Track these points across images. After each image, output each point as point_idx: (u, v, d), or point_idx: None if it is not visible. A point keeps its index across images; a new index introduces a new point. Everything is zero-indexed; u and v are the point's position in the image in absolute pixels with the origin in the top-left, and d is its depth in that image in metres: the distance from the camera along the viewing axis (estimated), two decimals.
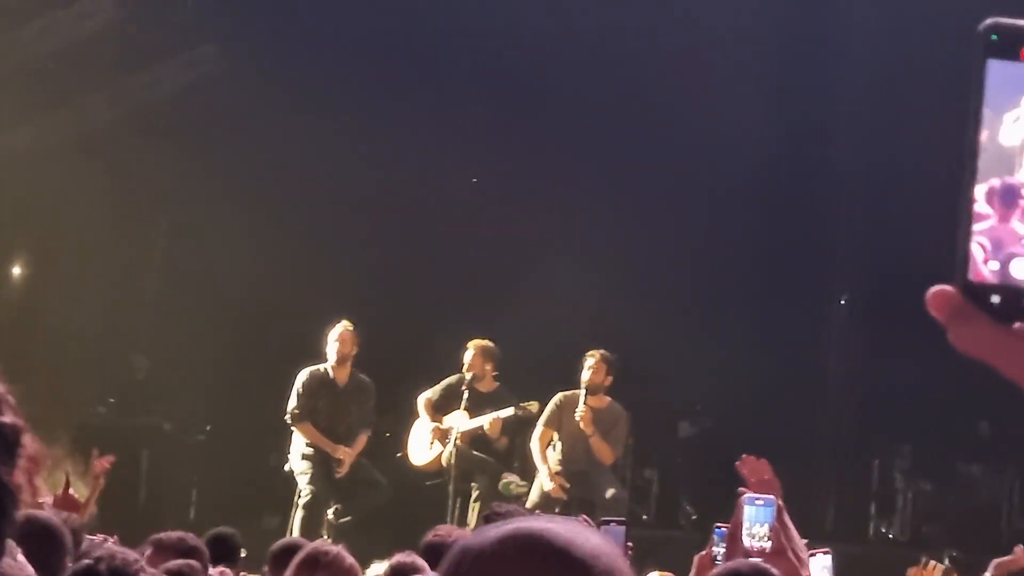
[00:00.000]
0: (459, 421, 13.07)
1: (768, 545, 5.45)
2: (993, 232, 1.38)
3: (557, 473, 12.95)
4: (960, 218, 1.38)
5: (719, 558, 5.76)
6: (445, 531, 7.05)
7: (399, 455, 13.75)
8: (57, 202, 15.63)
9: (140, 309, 16.80)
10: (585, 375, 13.02)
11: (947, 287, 1.39)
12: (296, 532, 12.19)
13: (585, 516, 6.63)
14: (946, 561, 8.64)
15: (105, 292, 16.23)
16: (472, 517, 12.58)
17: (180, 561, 6.20)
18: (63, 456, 13.47)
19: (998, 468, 16.52)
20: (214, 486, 15.47)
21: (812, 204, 17.78)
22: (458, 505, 12.86)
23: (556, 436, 13.13)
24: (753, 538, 5.49)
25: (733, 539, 5.50)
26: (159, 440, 15.83)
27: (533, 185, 16.72)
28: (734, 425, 16.47)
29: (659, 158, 17.04)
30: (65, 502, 7.20)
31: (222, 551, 7.32)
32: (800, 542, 5.95)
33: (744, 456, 6.41)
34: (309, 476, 12.88)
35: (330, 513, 12.92)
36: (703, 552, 6.08)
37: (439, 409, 13.34)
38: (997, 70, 1.39)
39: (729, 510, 5.57)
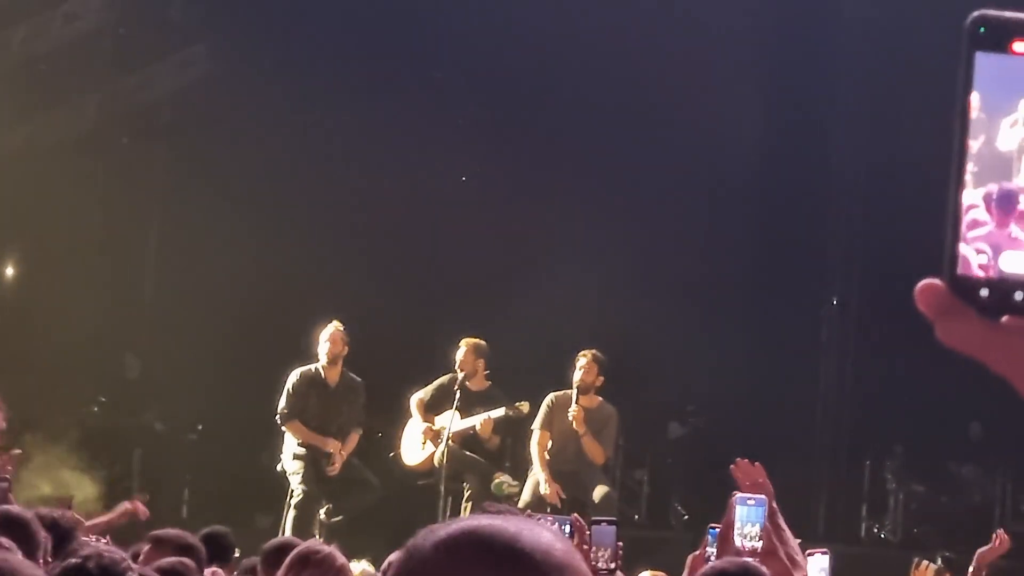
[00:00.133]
0: (451, 421, 13.07)
1: (759, 545, 5.46)
2: (991, 238, 1.37)
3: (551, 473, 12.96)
4: (948, 211, 1.38)
5: (713, 558, 5.77)
6: None
7: (391, 455, 13.76)
8: (50, 203, 15.62)
9: (133, 309, 16.79)
10: (576, 375, 13.02)
11: (935, 281, 1.38)
12: (288, 531, 12.19)
13: (576, 515, 6.63)
14: (939, 561, 8.65)
15: (98, 292, 16.23)
16: (464, 516, 12.56)
17: (173, 559, 6.20)
18: (66, 456, 13.50)
19: (990, 469, 16.53)
20: (206, 485, 15.47)
21: (806, 205, 17.79)
22: (449, 505, 12.86)
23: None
24: (744, 538, 5.50)
25: (724, 539, 5.51)
26: (151, 439, 15.84)
27: (529, 185, 16.72)
28: (726, 426, 16.49)
29: (654, 158, 17.05)
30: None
31: (216, 550, 7.31)
32: (794, 544, 5.96)
33: (738, 460, 6.41)
34: (301, 476, 12.88)
35: (322, 513, 12.93)
36: (697, 552, 6.09)
37: (431, 409, 13.34)
38: (985, 63, 1.38)
39: (720, 510, 5.58)
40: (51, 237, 16.05)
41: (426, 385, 13.47)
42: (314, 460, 12.97)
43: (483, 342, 13.35)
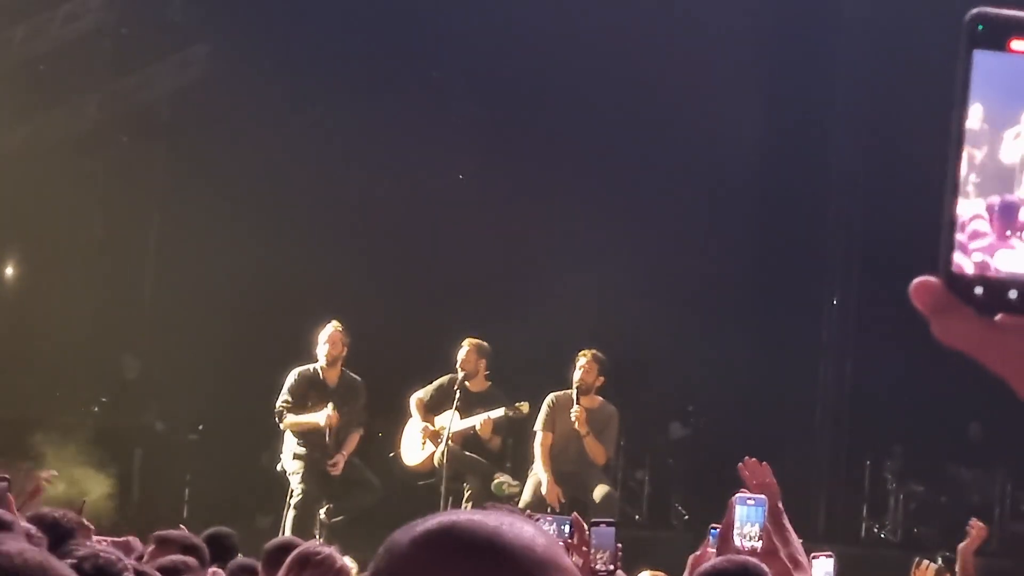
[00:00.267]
0: (450, 421, 13.07)
1: (759, 545, 5.46)
2: (991, 250, 1.37)
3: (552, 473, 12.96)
4: (943, 208, 1.37)
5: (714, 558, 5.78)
6: None
7: (391, 455, 13.76)
8: (50, 203, 15.64)
9: (133, 309, 16.80)
10: (576, 375, 13.02)
11: (930, 278, 1.38)
12: (288, 532, 12.19)
13: (576, 514, 6.63)
14: (939, 561, 8.65)
15: (98, 292, 16.24)
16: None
17: (175, 557, 6.20)
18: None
19: (989, 469, 16.54)
20: (207, 485, 15.47)
21: (805, 205, 17.80)
22: (450, 505, 12.86)
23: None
24: (744, 538, 5.50)
25: (724, 539, 5.52)
26: (152, 440, 15.84)
27: (529, 185, 16.73)
28: (726, 426, 16.49)
29: (654, 158, 17.07)
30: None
31: (218, 551, 7.31)
32: (798, 544, 5.96)
33: (746, 459, 6.40)
34: (301, 476, 12.88)
35: (322, 513, 12.93)
36: (698, 552, 6.09)
37: (431, 409, 13.34)
38: (984, 61, 1.38)
39: (721, 510, 5.58)
40: (51, 237, 16.07)
41: (426, 385, 13.47)
42: (315, 460, 12.97)
43: (485, 343, 13.35)
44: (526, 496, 12.84)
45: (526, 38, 16.60)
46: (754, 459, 6.38)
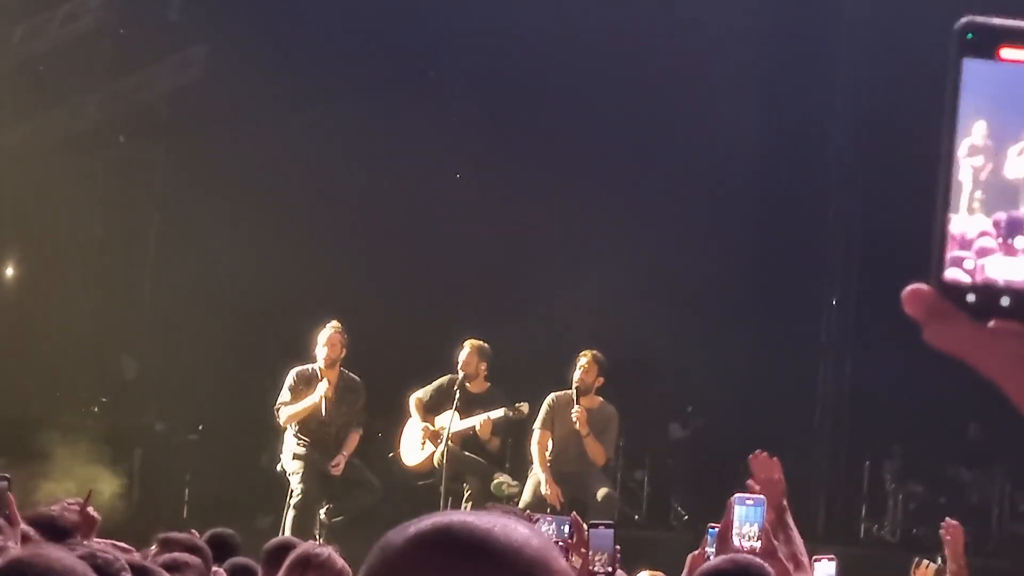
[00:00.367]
0: (450, 422, 13.08)
1: (758, 545, 5.47)
2: (989, 260, 1.38)
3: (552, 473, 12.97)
4: (935, 215, 1.38)
5: (712, 558, 5.78)
6: None
7: (391, 455, 13.77)
8: (49, 203, 15.64)
9: (132, 309, 16.81)
10: (576, 375, 13.03)
11: (922, 285, 1.38)
12: (288, 532, 12.19)
13: (576, 514, 6.64)
14: (939, 561, 8.65)
15: (98, 292, 16.25)
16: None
17: (177, 554, 6.21)
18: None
19: (988, 470, 16.55)
20: (207, 486, 15.48)
21: (805, 205, 17.82)
22: (449, 505, 12.86)
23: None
24: (743, 538, 5.50)
25: (723, 539, 5.52)
26: (152, 440, 15.85)
27: (529, 185, 16.73)
28: (725, 426, 16.50)
29: (653, 159, 17.09)
30: (83, 518, 7.16)
31: (220, 551, 7.31)
32: (801, 544, 5.97)
33: (757, 452, 6.40)
34: (301, 476, 12.88)
35: (322, 513, 12.94)
36: (696, 552, 6.10)
37: (430, 410, 13.34)
38: (973, 69, 1.38)
39: (720, 511, 5.59)
40: (50, 237, 16.07)
41: (425, 385, 13.48)
42: (314, 461, 12.98)
43: (486, 344, 13.35)
44: (526, 496, 12.84)
45: (526, 38, 16.61)
46: (765, 453, 6.38)
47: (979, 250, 1.37)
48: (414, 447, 13.41)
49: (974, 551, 11.54)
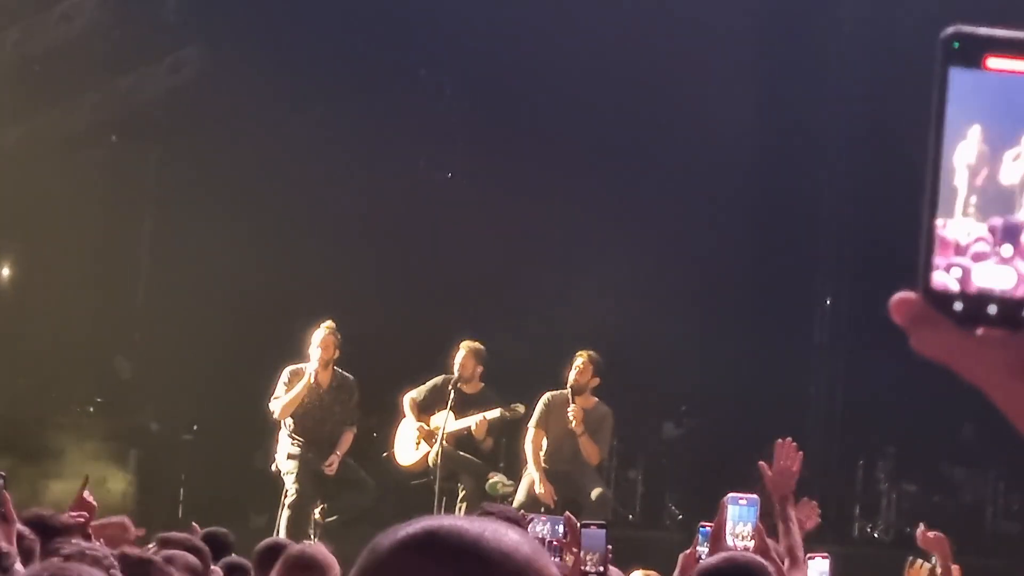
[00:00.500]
0: (445, 422, 13.09)
1: (751, 545, 5.49)
2: (980, 268, 1.38)
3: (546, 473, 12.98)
4: (922, 223, 1.38)
5: (703, 557, 5.80)
6: None
7: (385, 455, 13.78)
8: (43, 204, 15.64)
9: (127, 309, 16.81)
10: (571, 375, 13.04)
11: (910, 294, 1.39)
12: (283, 531, 12.21)
13: (569, 514, 6.65)
14: (933, 560, 8.65)
15: (92, 292, 16.24)
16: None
17: (174, 551, 6.22)
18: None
19: (982, 469, 16.57)
20: (201, 486, 15.47)
21: (800, 206, 17.82)
22: (444, 505, 12.87)
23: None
24: (736, 538, 5.53)
25: (716, 539, 5.54)
26: (147, 440, 15.85)
27: (525, 185, 16.72)
28: (719, 426, 16.52)
29: (650, 159, 17.09)
30: (80, 504, 7.18)
31: (214, 550, 7.32)
32: (798, 538, 5.99)
33: (785, 439, 6.42)
34: (295, 475, 12.89)
35: (316, 512, 12.94)
36: (688, 551, 6.11)
37: (424, 409, 13.35)
38: (960, 79, 1.38)
39: (715, 510, 5.61)
40: (45, 238, 16.07)
41: (419, 385, 13.48)
42: (308, 460, 12.98)
43: (482, 346, 13.35)
44: (519, 496, 12.85)
45: (525, 38, 16.60)
46: (794, 443, 6.41)
47: (974, 255, 1.37)
48: (408, 447, 13.42)
49: (968, 550, 11.55)
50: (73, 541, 5.65)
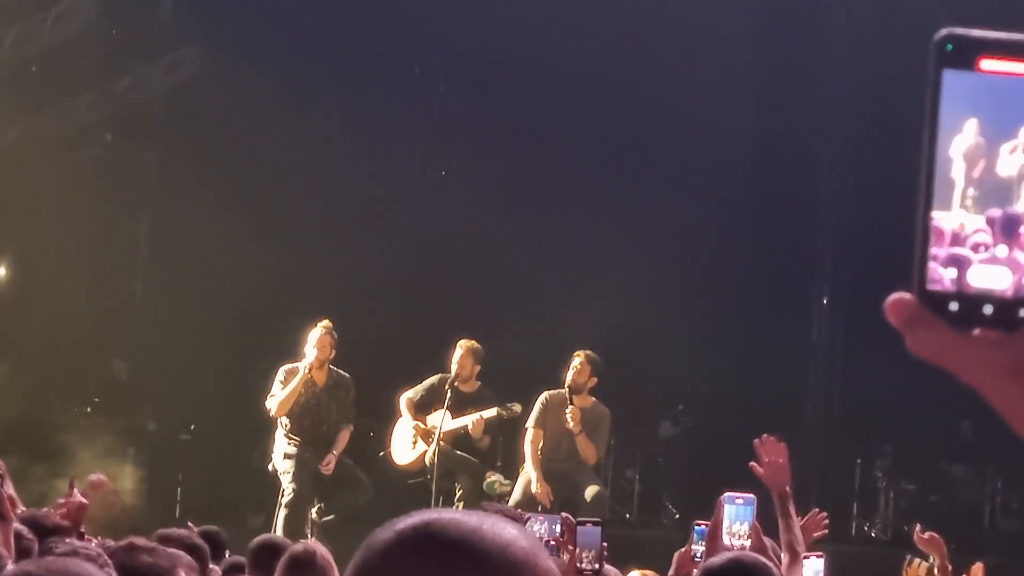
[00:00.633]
0: (442, 421, 13.08)
1: (748, 543, 5.48)
2: (979, 264, 1.38)
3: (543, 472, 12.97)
4: (917, 225, 1.38)
5: (699, 556, 5.80)
6: None
7: (382, 454, 13.77)
8: (41, 203, 15.64)
9: (124, 309, 16.80)
10: (569, 375, 13.03)
11: (905, 295, 1.39)
12: (280, 531, 12.21)
13: (567, 514, 6.65)
14: (931, 559, 8.65)
15: (90, 292, 16.24)
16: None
17: (172, 550, 6.21)
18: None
19: (980, 468, 16.56)
20: (199, 485, 15.48)
21: (798, 205, 17.82)
22: (441, 504, 12.87)
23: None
24: (733, 536, 5.52)
25: (713, 537, 5.54)
26: (144, 440, 15.84)
27: (524, 186, 16.73)
28: (716, 425, 16.51)
29: (647, 159, 17.09)
30: (68, 506, 7.15)
31: (209, 548, 7.31)
32: (799, 533, 5.98)
33: (764, 436, 6.41)
34: (292, 475, 12.89)
35: (313, 512, 12.94)
36: (683, 549, 6.11)
37: (421, 409, 13.34)
38: (953, 81, 1.38)
39: (712, 509, 5.60)
40: (42, 237, 16.06)
41: (416, 384, 13.47)
42: (305, 460, 12.98)
43: (479, 345, 13.34)
44: (516, 495, 12.85)
45: (522, 37, 16.58)
46: (772, 437, 6.39)
47: (973, 245, 1.37)
48: (405, 446, 13.41)
49: (966, 549, 11.55)
50: (67, 540, 5.65)
